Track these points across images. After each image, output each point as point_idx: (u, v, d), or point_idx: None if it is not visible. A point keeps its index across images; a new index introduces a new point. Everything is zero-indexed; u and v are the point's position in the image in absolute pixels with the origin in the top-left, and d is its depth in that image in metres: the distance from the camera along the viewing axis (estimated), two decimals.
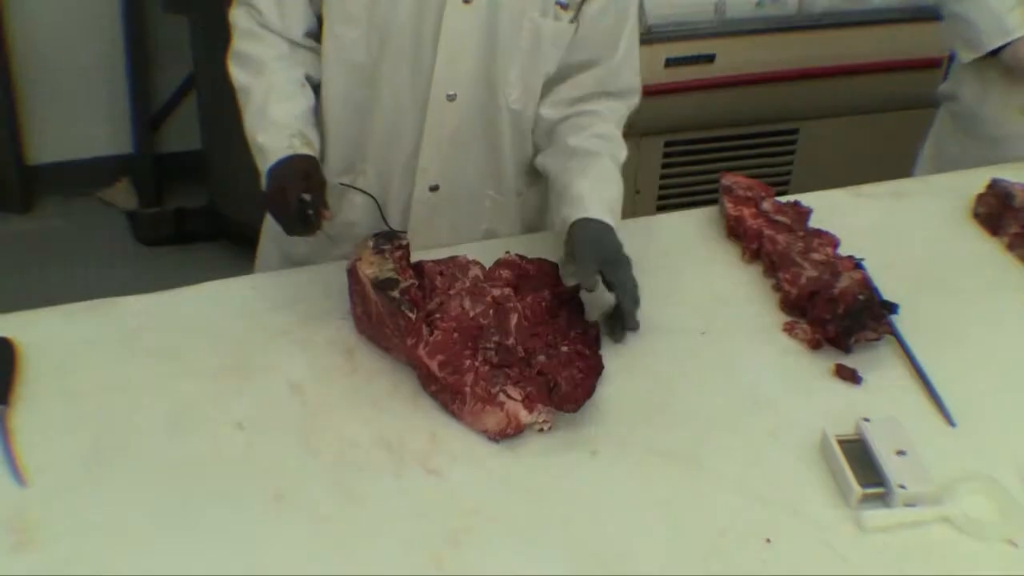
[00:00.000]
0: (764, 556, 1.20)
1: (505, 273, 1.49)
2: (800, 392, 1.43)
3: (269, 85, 1.52)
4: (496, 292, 1.45)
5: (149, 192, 3.46)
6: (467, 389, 1.33)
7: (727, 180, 1.76)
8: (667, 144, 2.93)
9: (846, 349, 1.48)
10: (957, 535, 1.24)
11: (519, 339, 1.40)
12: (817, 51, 2.73)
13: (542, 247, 1.59)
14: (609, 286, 1.46)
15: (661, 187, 2.99)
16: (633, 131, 2.82)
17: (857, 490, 1.25)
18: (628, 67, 1.65)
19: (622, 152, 1.63)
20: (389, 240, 1.46)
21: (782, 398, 1.42)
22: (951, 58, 2.31)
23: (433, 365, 1.35)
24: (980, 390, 1.44)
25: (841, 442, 1.31)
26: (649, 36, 2.66)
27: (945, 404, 1.41)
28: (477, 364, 1.36)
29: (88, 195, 3.42)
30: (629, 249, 1.48)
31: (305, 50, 1.56)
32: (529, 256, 1.53)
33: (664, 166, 2.97)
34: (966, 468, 1.31)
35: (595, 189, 1.54)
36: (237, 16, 1.57)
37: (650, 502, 1.26)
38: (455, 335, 1.38)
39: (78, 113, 3.37)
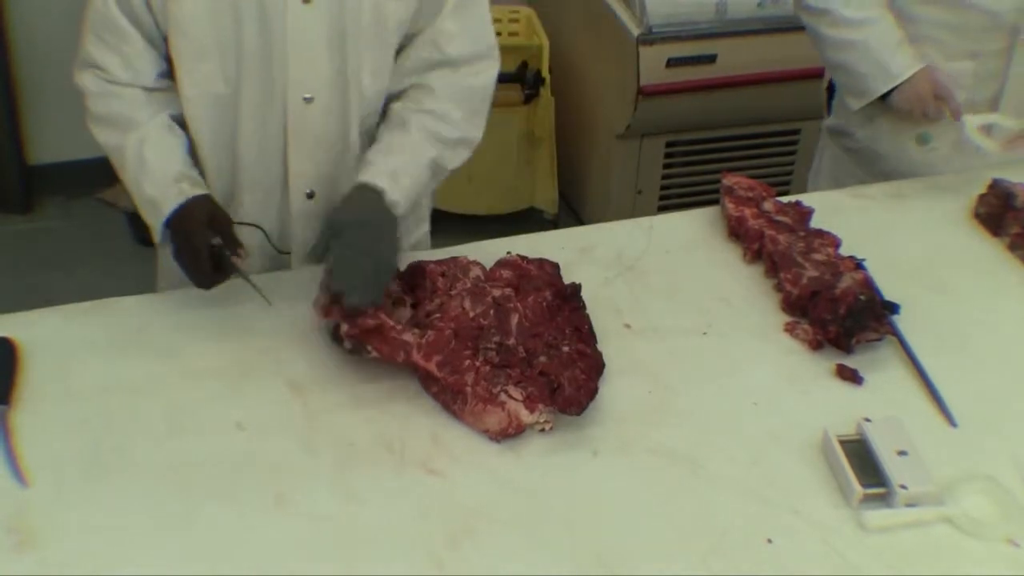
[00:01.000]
0: (764, 556, 1.20)
1: (506, 273, 1.49)
2: (801, 392, 1.43)
3: (140, 137, 1.48)
4: (497, 292, 1.45)
5: None
6: (468, 389, 1.33)
7: (728, 180, 1.76)
8: (668, 144, 2.93)
9: (847, 349, 1.48)
10: (958, 535, 1.23)
11: (520, 339, 1.40)
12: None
13: (543, 247, 1.59)
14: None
15: (662, 187, 3.00)
16: (634, 131, 2.86)
17: (858, 490, 1.25)
18: (462, 29, 1.54)
19: (450, 131, 1.54)
20: None
21: (783, 398, 1.42)
22: (831, 93, 2.14)
23: (431, 366, 1.35)
24: (981, 390, 1.44)
25: (842, 442, 1.31)
26: (650, 36, 2.66)
27: (946, 404, 1.41)
28: (478, 364, 1.35)
29: (88, 195, 3.41)
30: (630, 249, 1.48)
31: (162, 92, 1.52)
32: (530, 256, 1.53)
33: (665, 166, 2.97)
34: (967, 468, 1.31)
35: (378, 154, 1.50)
36: (84, 80, 1.53)
37: (650, 502, 1.26)
38: (451, 334, 1.37)
39: (78, 113, 3.32)
